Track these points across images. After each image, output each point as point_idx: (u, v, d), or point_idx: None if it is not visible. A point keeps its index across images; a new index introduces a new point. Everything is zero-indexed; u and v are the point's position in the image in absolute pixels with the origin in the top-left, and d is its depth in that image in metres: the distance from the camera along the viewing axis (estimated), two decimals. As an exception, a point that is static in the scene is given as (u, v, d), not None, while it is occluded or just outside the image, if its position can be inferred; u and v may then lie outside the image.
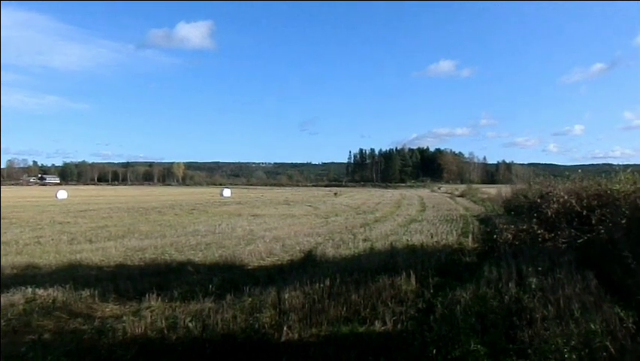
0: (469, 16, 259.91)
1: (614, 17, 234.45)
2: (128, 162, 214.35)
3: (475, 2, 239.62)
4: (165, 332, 6.32)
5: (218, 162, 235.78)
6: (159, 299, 8.10)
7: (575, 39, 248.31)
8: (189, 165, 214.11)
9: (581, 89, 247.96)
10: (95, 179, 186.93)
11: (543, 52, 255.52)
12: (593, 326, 5.28)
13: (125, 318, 6.95)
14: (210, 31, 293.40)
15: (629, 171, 11.96)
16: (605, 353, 4.61)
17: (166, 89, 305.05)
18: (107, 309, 8.05)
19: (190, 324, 6.51)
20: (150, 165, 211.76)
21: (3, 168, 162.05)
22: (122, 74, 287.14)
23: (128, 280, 9.99)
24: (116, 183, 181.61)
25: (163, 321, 6.69)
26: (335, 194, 38.39)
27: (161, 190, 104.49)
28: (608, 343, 4.81)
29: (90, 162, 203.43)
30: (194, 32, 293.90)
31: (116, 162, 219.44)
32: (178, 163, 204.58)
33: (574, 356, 4.52)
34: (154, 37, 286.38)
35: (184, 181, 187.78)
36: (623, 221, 8.98)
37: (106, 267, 12.05)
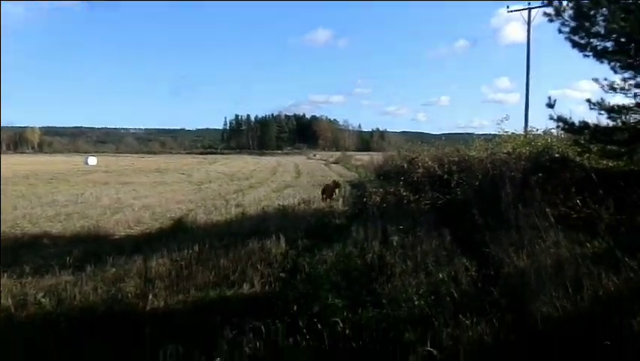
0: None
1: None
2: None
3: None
4: (12, 310, 5.78)
5: (82, 127, 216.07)
6: (5, 276, 7.32)
7: (440, 16, 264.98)
8: (47, 131, 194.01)
9: (447, 63, 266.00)
10: None
11: (412, 27, 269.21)
12: (441, 276, 5.90)
13: (-39, 300, 6.20)
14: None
15: (482, 139, 13.30)
16: (449, 298, 5.17)
17: (19, 45, 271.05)
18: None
19: (43, 300, 6.02)
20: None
21: None
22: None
23: (-33, 259, 8.89)
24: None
25: (9, 299, 6.09)
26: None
27: (13, 158, 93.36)
28: (452, 289, 5.41)
29: None
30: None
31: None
32: (32, 128, 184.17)
33: (422, 303, 5.00)
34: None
35: (41, 148, 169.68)
36: (476, 183, 10.05)
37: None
